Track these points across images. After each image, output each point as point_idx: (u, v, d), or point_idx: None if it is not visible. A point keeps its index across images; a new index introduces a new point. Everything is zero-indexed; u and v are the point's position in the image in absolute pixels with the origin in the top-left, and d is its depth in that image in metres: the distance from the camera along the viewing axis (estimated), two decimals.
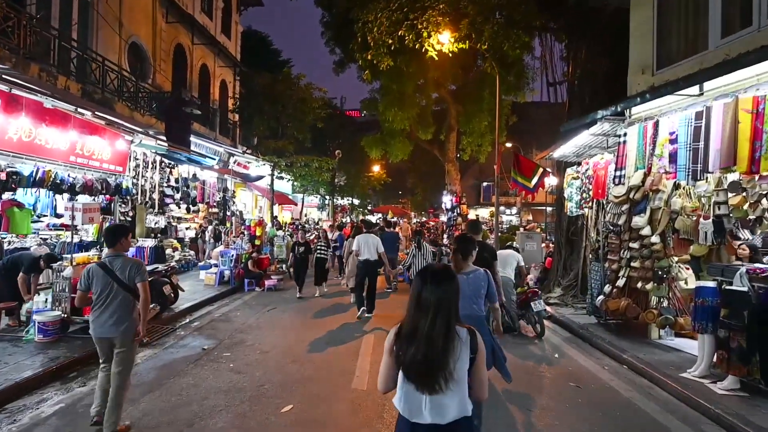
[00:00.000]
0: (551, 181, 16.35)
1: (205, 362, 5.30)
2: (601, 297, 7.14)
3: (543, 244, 13.25)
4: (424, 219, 42.67)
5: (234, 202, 19.25)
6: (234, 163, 17.86)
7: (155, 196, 11.81)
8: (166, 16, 14.34)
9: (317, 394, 4.46)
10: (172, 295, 7.49)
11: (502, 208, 44.39)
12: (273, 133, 15.22)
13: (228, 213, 17.69)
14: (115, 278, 3.56)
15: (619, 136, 7.06)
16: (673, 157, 6.02)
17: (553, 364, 5.57)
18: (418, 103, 23.25)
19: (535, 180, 10.62)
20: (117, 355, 3.61)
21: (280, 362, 5.35)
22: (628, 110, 7.00)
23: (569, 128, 7.85)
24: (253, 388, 4.53)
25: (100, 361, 3.73)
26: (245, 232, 12.94)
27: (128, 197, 11.36)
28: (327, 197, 28.79)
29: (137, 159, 11.54)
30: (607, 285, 7.12)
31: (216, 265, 10.81)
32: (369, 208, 40.16)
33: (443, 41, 13.46)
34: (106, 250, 4.02)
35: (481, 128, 23.32)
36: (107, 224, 10.83)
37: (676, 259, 6.31)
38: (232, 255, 10.77)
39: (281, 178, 15.72)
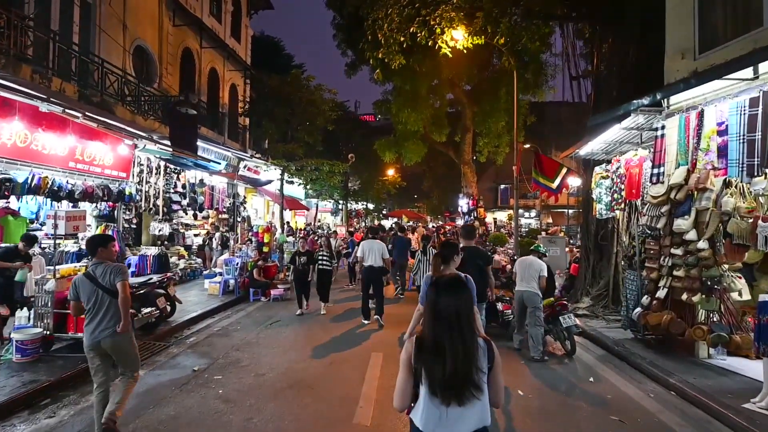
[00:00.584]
0: (575, 181, 15.50)
1: (192, 387, 4.75)
2: (638, 309, 6.36)
3: (566, 249, 12.46)
4: (440, 223, 41.86)
5: (245, 208, 18.92)
6: (244, 168, 17.50)
7: (159, 202, 11.42)
8: (173, 19, 14.05)
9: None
10: (168, 307, 6.99)
11: (521, 211, 43.31)
12: (283, 137, 14.78)
13: (239, 219, 17.35)
14: (100, 285, 3.65)
15: (656, 129, 6.31)
16: (722, 151, 5.26)
17: (588, 391, 4.83)
18: (432, 104, 22.62)
19: (558, 180, 9.88)
20: (118, 362, 3.74)
21: (275, 388, 4.75)
22: (666, 100, 6.24)
23: (598, 122, 7.10)
24: (239, 423, 3.94)
25: (94, 384, 3.69)
26: (253, 239, 12.46)
27: (132, 204, 11.03)
28: (341, 202, 28.31)
29: (141, 164, 11.19)
30: (645, 296, 6.34)
31: (221, 274, 10.34)
32: (384, 212, 39.53)
33: (457, 38, 12.83)
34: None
35: (497, 129, 22.55)
36: (109, 231, 10.52)
37: (726, 267, 5.51)
38: (237, 263, 10.28)
39: (291, 182, 15.26)
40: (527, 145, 27.96)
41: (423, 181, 45.26)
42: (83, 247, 9.61)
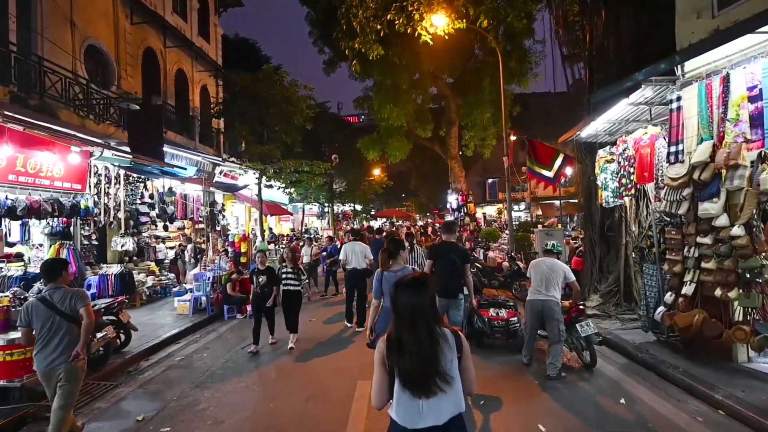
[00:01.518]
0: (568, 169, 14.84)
1: None
2: (661, 309, 5.56)
3: (563, 241, 11.71)
4: (429, 221, 41.16)
5: (223, 216, 17.86)
6: (220, 173, 16.46)
7: (121, 215, 10.37)
8: (131, 17, 12.98)
9: None
10: (120, 338, 6.00)
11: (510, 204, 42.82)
12: (258, 138, 13.78)
13: (218, 228, 16.30)
14: (57, 311, 3.56)
15: (669, 102, 5.53)
16: (756, 120, 4.49)
17: (624, 418, 3.97)
18: (415, 99, 21.78)
19: (555, 167, 9.08)
20: (59, 389, 3.53)
21: None
22: (681, 67, 5.46)
23: (601, 98, 6.30)
24: None
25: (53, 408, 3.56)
26: (228, 249, 11.45)
27: (90, 218, 9.96)
28: (326, 205, 27.32)
29: (99, 174, 10.14)
30: (669, 293, 5.54)
31: (192, 290, 9.32)
32: (372, 213, 38.61)
33: (437, 23, 12.02)
34: (46, 285, 3.79)
35: (483, 120, 21.81)
36: (64, 251, 9.45)
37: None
38: (209, 278, 9.28)
39: (270, 186, 14.28)
40: (513, 138, 27.38)
41: (410, 179, 44.49)
42: (30, 270, 8.57)
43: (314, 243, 12.58)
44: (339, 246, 10.90)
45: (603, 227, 7.92)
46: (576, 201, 34.79)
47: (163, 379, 5.40)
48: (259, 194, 13.98)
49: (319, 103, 30.83)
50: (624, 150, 6.70)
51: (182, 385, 5.12)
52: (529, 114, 27.29)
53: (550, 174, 9.13)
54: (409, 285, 2.02)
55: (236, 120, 13.79)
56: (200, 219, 15.03)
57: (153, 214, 12.03)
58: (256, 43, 26.94)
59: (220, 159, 13.36)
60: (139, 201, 11.85)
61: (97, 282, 9.32)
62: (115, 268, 9.58)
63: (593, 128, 6.98)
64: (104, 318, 5.71)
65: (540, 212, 38.32)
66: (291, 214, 22.54)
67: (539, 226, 13.86)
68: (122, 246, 10.19)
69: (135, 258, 11.82)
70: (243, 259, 11.42)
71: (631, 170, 6.47)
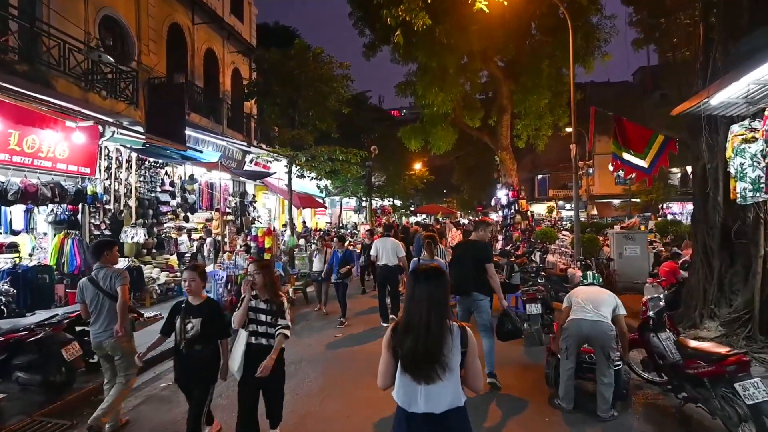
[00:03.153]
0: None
1: None
2: None
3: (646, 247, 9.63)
4: (472, 218, 38.99)
5: (254, 208, 16.80)
6: (251, 161, 15.35)
7: (132, 202, 9.30)
8: None
9: None
10: (84, 361, 4.67)
11: (561, 203, 39.74)
12: (290, 122, 12.45)
13: (251, 220, 15.22)
14: (100, 289, 3.79)
15: None
16: None
17: None
18: (463, 84, 19.79)
19: (651, 154, 7.07)
20: (117, 365, 3.86)
21: None
22: None
23: (754, 46, 4.35)
24: None
25: (105, 379, 3.95)
26: (251, 244, 10.18)
27: (99, 205, 8.95)
28: (364, 199, 25.92)
29: (110, 157, 9.11)
30: None
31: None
32: (411, 208, 36.91)
33: None
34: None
35: (539, 108, 19.55)
36: (69, 241, 8.47)
37: None
38: (222, 277, 8.00)
39: (302, 176, 12.96)
40: (568, 129, 24.81)
41: (452, 174, 42.35)
42: (19, 262, 7.59)
43: (347, 241, 10.95)
44: (361, 249, 9.49)
45: (727, 231, 5.88)
46: (639, 200, 31.66)
47: (133, 420, 4.04)
48: (289, 183, 12.67)
49: (359, 93, 29.50)
50: None
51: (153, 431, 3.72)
52: (586, 105, 24.43)
53: (643, 163, 7.10)
54: (426, 273, 2.10)
55: (265, 102, 12.52)
56: (228, 210, 13.96)
57: (173, 203, 10.98)
58: (296, 31, 25.81)
59: (246, 145, 12.14)
60: (159, 188, 10.83)
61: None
62: (122, 263, 8.49)
63: (727, 94, 4.99)
64: (60, 335, 4.41)
65: (595, 211, 35.27)
66: (325, 207, 21.21)
67: (615, 227, 11.69)
68: (132, 238, 9.10)
69: (154, 251, 10.83)
70: (267, 256, 10.13)
71: None
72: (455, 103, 19.05)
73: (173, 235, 11.30)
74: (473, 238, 5.29)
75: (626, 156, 7.32)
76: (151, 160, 10.22)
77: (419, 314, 2.00)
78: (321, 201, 21.34)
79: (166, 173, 11.15)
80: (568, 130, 24.08)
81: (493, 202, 43.95)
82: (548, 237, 15.94)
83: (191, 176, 11.05)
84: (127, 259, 8.82)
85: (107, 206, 9.14)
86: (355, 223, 28.09)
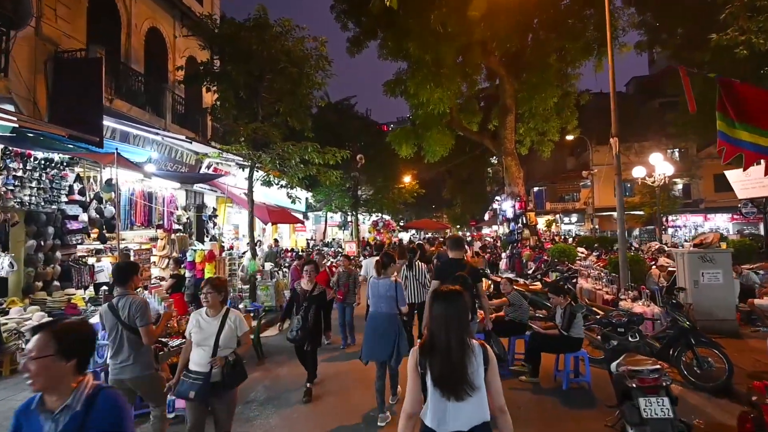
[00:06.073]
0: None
1: None
2: None
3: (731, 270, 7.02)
4: (478, 233, 36.47)
5: (214, 224, 13.88)
6: (208, 168, 12.51)
7: None
8: None
9: None
10: None
11: (559, 216, 37.44)
12: (251, 115, 9.72)
13: (207, 238, 12.30)
14: (119, 319, 3.48)
15: None
16: None
17: None
18: (461, 82, 17.34)
19: None
20: (146, 400, 3.73)
21: None
22: None
23: None
24: None
25: None
26: (186, 273, 7.28)
27: None
28: (350, 213, 23.12)
29: None
30: None
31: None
32: (401, 224, 34.18)
33: None
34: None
35: (546, 108, 17.21)
36: None
37: None
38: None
39: (268, 182, 10.15)
40: (570, 137, 22.53)
41: (442, 188, 39.89)
42: None
43: (330, 262, 8.11)
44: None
45: None
46: (642, 213, 29.43)
47: None
48: (250, 191, 9.82)
49: (343, 99, 26.91)
50: None
51: None
52: (584, 112, 22.04)
53: None
54: (445, 296, 2.17)
55: (220, 89, 9.77)
56: (177, 227, 11.05)
57: (83, 217, 8.08)
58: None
59: (190, 141, 9.30)
60: (65, 198, 7.94)
61: None
62: None
63: None
64: None
65: (596, 225, 32.98)
66: (302, 222, 18.32)
67: (688, 244, 9.03)
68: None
69: (56, 283, 7.89)
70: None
71: None
72: (452, 102, 16.59)
73: (87, 262, 8.38)
74: (455, 257, 4.93)
75: (743, 135, 4.72)
76: (55, 156, 7.35)
77: (440, 332, 2.07)
78: (299, 216, 18.45)
79: (77, 178, 8.28)
80: (569, 137, 21.94)
81: (487, 216, 41.64)
82: (567, 255, 13.33)
83: (108, 181, 8.16)
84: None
85: None
86: (340, 239, 25.22)
